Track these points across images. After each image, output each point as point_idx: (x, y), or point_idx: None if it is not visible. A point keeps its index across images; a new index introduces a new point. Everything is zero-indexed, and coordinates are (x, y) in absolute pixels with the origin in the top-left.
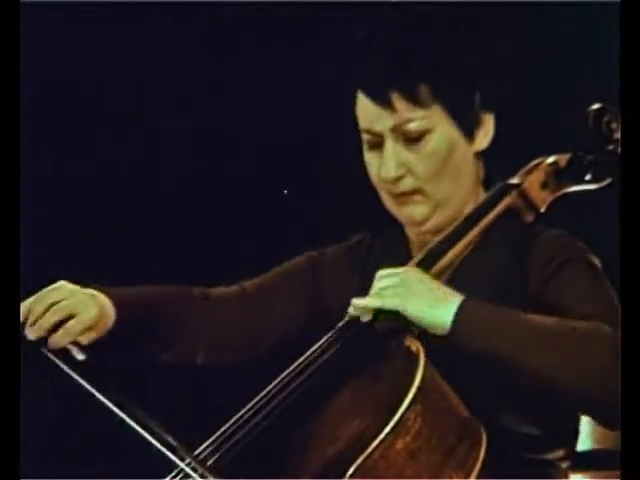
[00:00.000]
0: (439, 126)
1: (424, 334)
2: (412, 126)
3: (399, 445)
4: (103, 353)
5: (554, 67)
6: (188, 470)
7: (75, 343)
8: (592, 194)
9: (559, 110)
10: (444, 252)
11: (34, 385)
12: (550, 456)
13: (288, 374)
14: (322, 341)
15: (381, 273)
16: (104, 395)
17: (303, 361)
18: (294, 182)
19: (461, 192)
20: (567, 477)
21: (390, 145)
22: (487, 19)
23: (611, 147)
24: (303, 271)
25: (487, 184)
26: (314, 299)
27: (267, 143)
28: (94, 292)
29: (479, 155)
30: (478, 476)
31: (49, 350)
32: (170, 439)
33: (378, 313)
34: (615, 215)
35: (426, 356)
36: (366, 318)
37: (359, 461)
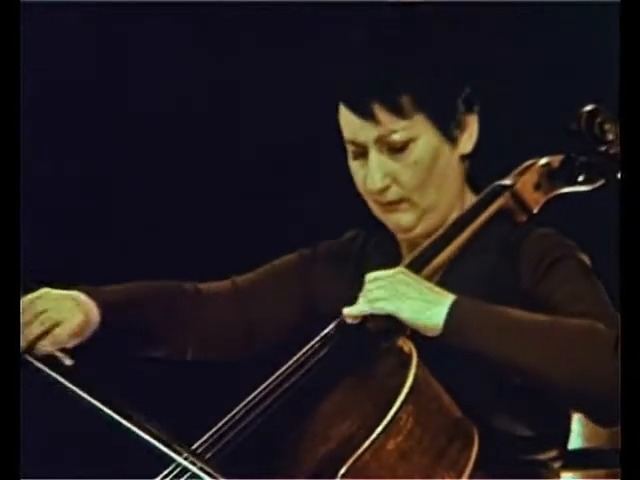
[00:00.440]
0: (423, 135)
1: (416, 334)
2: (396, 137)
3: (391, 445)
4: (91, 353)
5: (554, 67)
6: (186, 464)
7: (61, 349)
8: (585, 195)
9: (559, 110)
10: (436, 254)
11: (34, 385)
12: (542, 456)
13: (281, 374)
14: (314, 341)
15: (370, 276)
16: (94, 397)
17: (296, 361)
18: (288, 180)
19: (447, 197)
20: (559, 477)
21: (374, 156)
22: (472, 20)
23: (604, 148)
24: (295, 268)
25: (479, 185)
26: (306, 296)
27: (261, 143)
28: (79, 296)
29: (464, 157)
30: (470, 476)
31: (35, 358)
32: (165, 436)
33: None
34: (608, 215)
35: (418, 356)
36: (357, 320)
37: (351, 461)
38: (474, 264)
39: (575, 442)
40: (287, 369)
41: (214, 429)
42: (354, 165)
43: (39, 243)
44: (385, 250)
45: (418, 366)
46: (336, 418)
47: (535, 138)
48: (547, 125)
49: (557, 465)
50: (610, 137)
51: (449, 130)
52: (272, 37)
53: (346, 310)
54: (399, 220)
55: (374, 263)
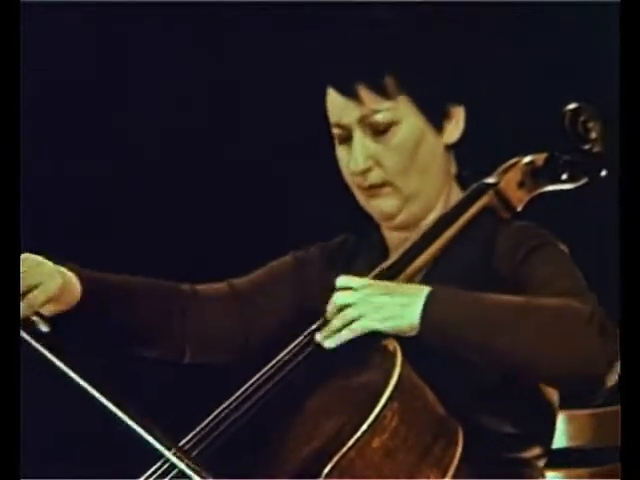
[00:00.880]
0: (406, 118)
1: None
2: (379, 117)
3: (376, 443)
4: (73, 331)
5: (553, 67)
6: (174, 459)
7: (39, 315)
8: (569, 193)
9: (560, 111)
10: (419, 253)
11: (34, 385)
12: (527, 455)
13: (265, 372)
14: (299, 340)
15: (340, 283)
16: (85, 380)
17: (280, 360)
18: (283, 182)
19: (431, 186)
20: (543, 476)
21: (358, 137)
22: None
23: (587, 147)
24: (290, 270)
25: (463, 182)
26: (301, 298)
27: (253, 143)
28: (59, 267)
29: (449, 148)
30: (454, 475)
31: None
32: (154, 430)
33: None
34: (592, 213)
35: (403, 354)
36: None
37: (335, 459)
38: (457, 262)
39: (559, 441)
40: (272, 368)
41: (198, 428)
42: (340, 151)
43: (39, 243)
44: (372, 253)
45: (403, 364)
46: (321, 417)
47: (519, 136)
48: (553, 124)
49: (541, 464)
50: (593, 135)
51: (434, 116)
52: (255, 27)
53: (326, 344)
54: (382, 206)
55: (363, 264)
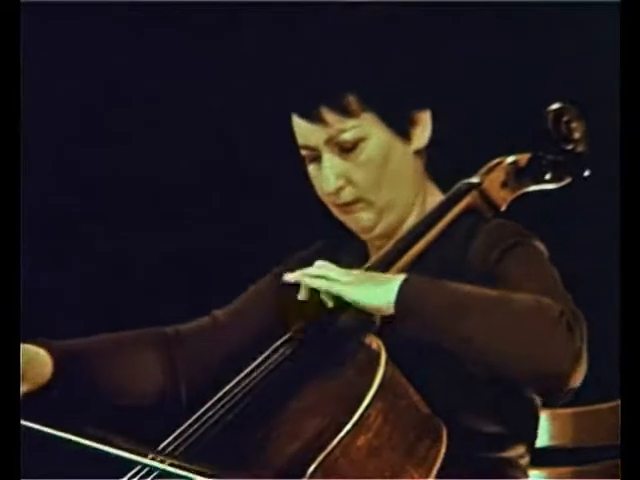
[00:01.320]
0: (373, 133)
1: (385, 331)
2: (345, 136)
3: (360, 442)
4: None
5: (553, 67)
6: (155, 464)
7: None
8: (552, 193)
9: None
10: (401, 254)
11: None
12: (510, 454)
13: (248, 373)
14: (282, 339)
15: (320, 263)
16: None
17: (264, 359)
18: (248, 195)
19: (405, 194)
20: (526, 475)
21: (327, 158)
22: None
23: (570, 147)
24: (272, 289)
25: (447, 183)
26: (285, 314)
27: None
28: (30, 349)
29: (420, 153)
30: (438, 474)
31: None
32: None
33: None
34: (575, 213)
35: (387, 353)
36: (302, 296)
37: (320, 459)
38: (436, 261)
39: (542, 440)
40: (255, 368)
41: (180, 429)
42: (310, 170)
43: (39, 243)
44: (353, 259)
45: (387, 363)
46: (305, 416)
47: (502, 136)
48: (517, 123)
49: (525, 462)
50: (577, 135)
51: (400, 126)
52: (213, 47)
53: (286, 276)
54: (358, 221)
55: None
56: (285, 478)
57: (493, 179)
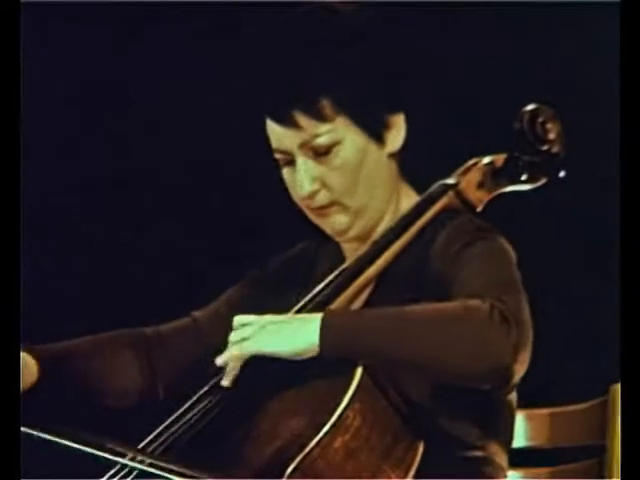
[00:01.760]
0: (347, 137)
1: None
2: (320, 140)
3: (338, 444)
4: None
5: (553, 67)
6: (133, 464)
7: None
8: (528, 194)
9: (560, 111)
10: (376, 256)
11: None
12: (487, 453)
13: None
14: None
15: (237, 323)
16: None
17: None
18: (226, 196)
19: (379, 197)
20: (505, 474)
21: (301, 162)
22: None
23: (546, 147)
24: (251, 291)
25: (422, 185)
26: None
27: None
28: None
29: (394, 155)
30: (416, 475)
31: None
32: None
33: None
34: (550, 214)
35: None
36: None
37: (298, 460)
38: (405, 261)
39: (519, 441)
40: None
41: (158, 430)
42: (285, 173)
43: (39, 243)
44: (331, 260)
45: (364, 365)
46: (283, 417)
47: (478, 137)
48: (493, 124)
49: (502, 461)
50: (552, 136)
51: (374, 130)
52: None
53: (218, 360)
54: (333, 224)
55: (321, 270)
56: (263, 478)
57: (469, 180)
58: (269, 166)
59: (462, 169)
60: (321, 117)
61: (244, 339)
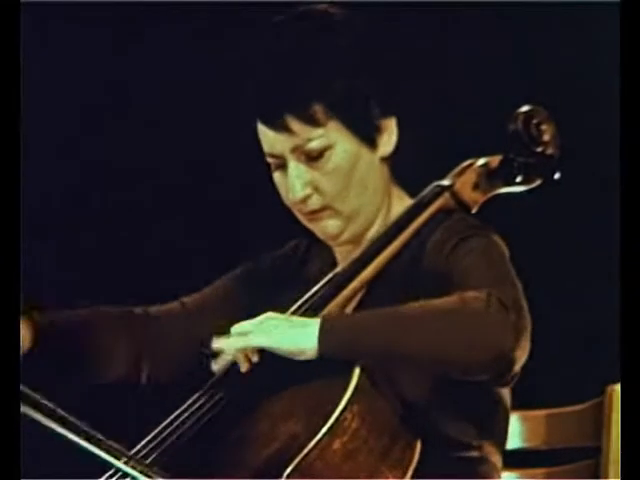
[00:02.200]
0: (339, 141)
1: None
2: (312, 145)
3: (336, 445)
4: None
5: (553, 67)
6: (126, 469)
7: None
8: (523, 195)
9: (561, 111)
10: (371, 259)
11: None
12: (482, 453)
13: (223, 375)
14: None
15: (236, 327)
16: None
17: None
18: (221, 194)
19: (371, 201)
20: (499, 475)
21: (293, 166)
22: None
23: (541, 149)
24: (241, 283)
25: (415, 187)
26: (254, 309)
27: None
28: None
29: (386, 159)
30: (413, 475)
31: None
32: (103, 441)
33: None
34: (545, 215)
35: None
36: (243, 367)
37: (296, 461)
38: (401, 262)
39: (514, 442)
40: (229, 370)
41: (154, 432)
42: (276, 177)
43: (39, 243)
44: (323, 258)
45: (362, 367)
46: (281, 418)
47: (473, 138)
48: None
49: (497, 461)
50: (547, 138)
51: (366, 134)
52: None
53: (215, 344)
54: (325, 228)
55: (312, 270)
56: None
57: (465, 181)
58: (262, 169)
59: (457, 170)
60: (313, 122)
61: (246, 332)
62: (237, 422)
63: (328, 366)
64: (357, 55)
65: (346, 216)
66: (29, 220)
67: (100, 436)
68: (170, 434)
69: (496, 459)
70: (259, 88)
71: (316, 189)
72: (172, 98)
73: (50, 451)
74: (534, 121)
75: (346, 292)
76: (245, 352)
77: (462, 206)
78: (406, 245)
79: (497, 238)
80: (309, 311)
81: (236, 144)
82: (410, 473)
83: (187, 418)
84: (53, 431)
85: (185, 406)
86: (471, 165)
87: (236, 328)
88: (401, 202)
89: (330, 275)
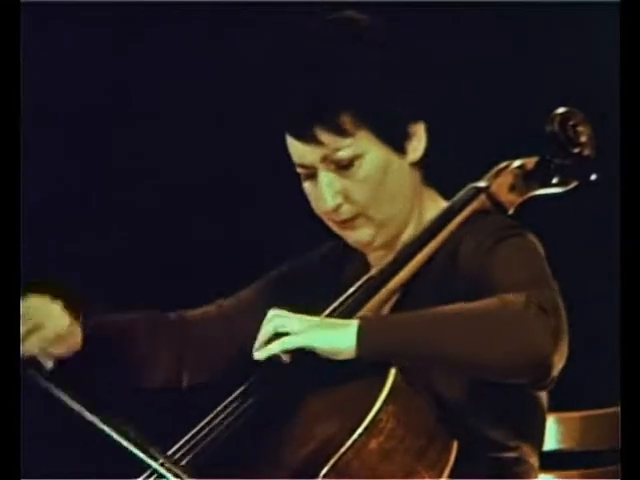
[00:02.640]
0: (369, 150)
1: None
2: (342, 154)
3: (373, 445)
4: (75, 370)
5: (553, 68)
6: (162, 470)
7: (45, 353)
8: (560, 197)
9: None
10: (406, 262)
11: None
12: (519, 454)
13: (259, 377)
14: None
15: (270, 315)
16: (75, 401)
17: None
18: (269, 188)
19: (402, 207)
20: (536, 475)
21: (323, 175)
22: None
23: (577, 150)
24: (275, 286)
25: (450, 189)
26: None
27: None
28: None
29: (416, 164)
30: (450, 475)
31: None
32: (141, 441)
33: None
34: (581, 216)
35: None
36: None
37: (333, 461)
38: (435, 263)
39: (550, 444)
40: (265, 372)
41: (194, 430)
42: (306, 187)
43: (39, 243)
44: (357, 259)
45: (397, 368)
46: (317, 419)
47: (510, 140)
48: (525, 127)
49: (534, 462)
50: (583, 139)
51: (395, 141)
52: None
53: (256, 354)
54: (357, 236)
55: (347, 273)
56: (299, 479)
57: (501, 183)
58: (273, 170)
59: (493, 172)
60: (342, 132)
61: (284, 333)
62: (274, 423)
63: (364, 366)
64: (383, 62)
65: (378, 224)
66: (29, 220)
67: (139, 437)
68: (207, 435)
69: (533, 460)
70: (287, 101)
71: (347, 198)
72: (172, 98)
73: (50, 451)
74: (570, 122)
75: (381, 295)
76: (287, 350)
77: (498, 207)
78: (441, 247)
79: (534, 239)
80: (343, 314)
81: (237, 144)
82: (447, 473)
83: (224, 419)
84: (96, 429)
85: (222, 407)
86: (507, 167)
87: (270, 329)
88: (435, 204)
89: (364, 278)
